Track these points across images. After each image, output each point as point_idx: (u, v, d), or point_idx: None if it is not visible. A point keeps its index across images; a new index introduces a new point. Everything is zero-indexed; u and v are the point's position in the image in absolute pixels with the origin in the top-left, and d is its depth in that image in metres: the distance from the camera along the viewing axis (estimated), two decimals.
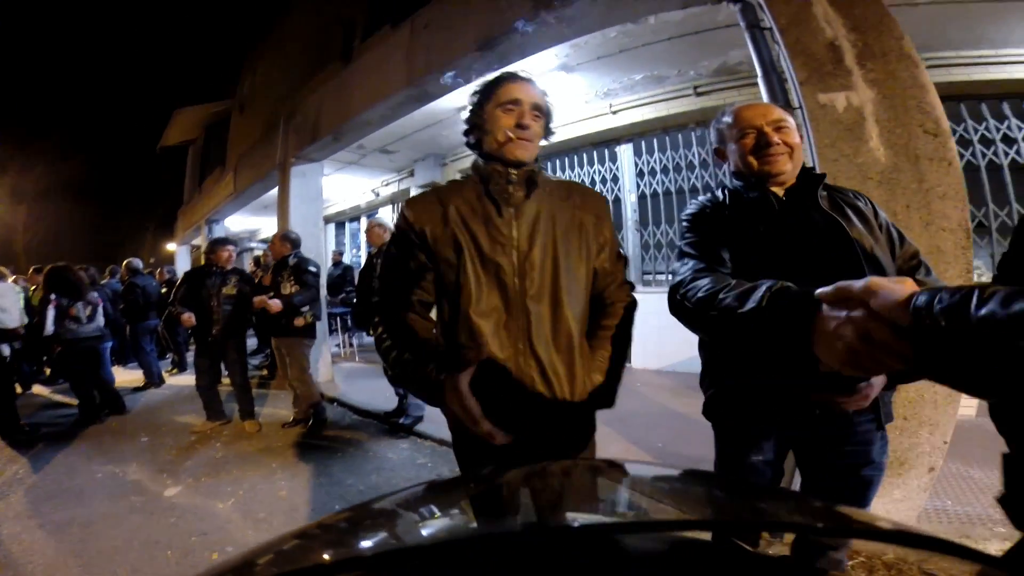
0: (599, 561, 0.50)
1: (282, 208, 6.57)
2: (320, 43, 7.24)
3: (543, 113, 1.28)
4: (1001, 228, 4.34)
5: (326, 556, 0.46)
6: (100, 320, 4.95)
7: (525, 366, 1.17)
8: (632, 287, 1.37)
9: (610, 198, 6.01)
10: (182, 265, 14.20)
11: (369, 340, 8.64)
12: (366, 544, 0.55)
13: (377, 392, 5.38)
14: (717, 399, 1.42)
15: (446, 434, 3.83)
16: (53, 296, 4.63)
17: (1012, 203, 4.30)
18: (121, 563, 2.40)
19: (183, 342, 7.86)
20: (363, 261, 10.64)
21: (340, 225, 11.99)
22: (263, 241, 14.75)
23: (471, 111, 1.30)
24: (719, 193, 1.45)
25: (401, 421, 4.22)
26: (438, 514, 0.65)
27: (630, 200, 5.91)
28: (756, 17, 2.62)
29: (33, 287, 6.91)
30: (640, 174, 5.84)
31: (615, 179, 6.08)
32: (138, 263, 6.88)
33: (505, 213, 1.20)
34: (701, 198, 1.48)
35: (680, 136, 5.51)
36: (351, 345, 8.04)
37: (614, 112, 5.48)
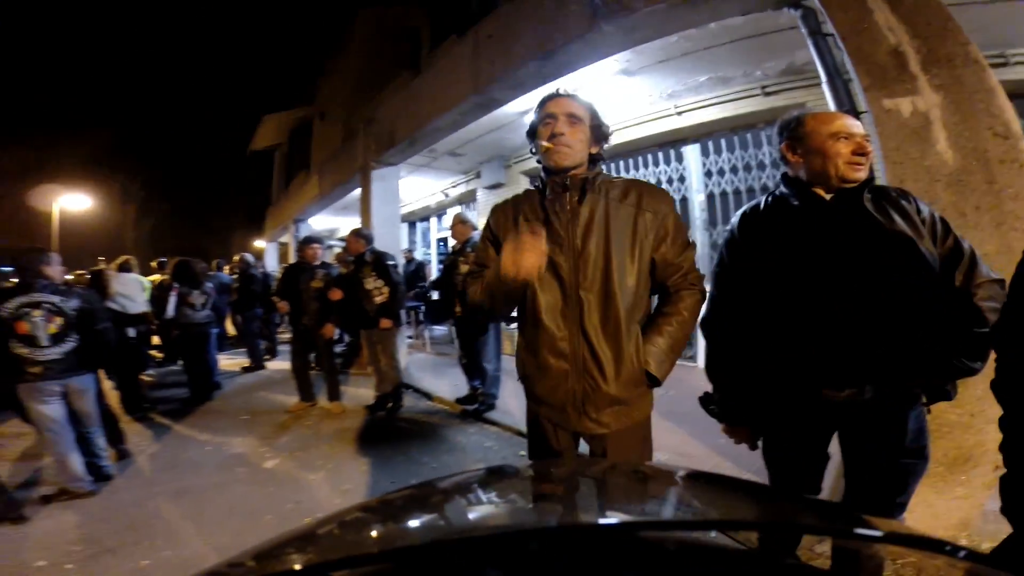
0: (606, 560, 0.51)
1: (364, 209, 7.13)
2: (388, 53, 7.71)
3: (582, 120, 1.43)
4: None
5: (326, 555, 0.51)
6: (213, 309, 5.65)
7: (579, 347, 1.38)
8: (702, 277, 1.50)
9: (677, 198, 6.04)
10: (270, 261, 15.57)
11: (440, 332, 9.12)
12: (379, 538, 0.61)
13: (448, 381, 5.78)
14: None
15: (511, 422, 4.14)
16: (175, 284, 5.36)
17: None
18: (227, 527, 2.73)
19: (275, 331, 8.70)
20: (433, 257, 11.26)
21: (412, 224, 12.58)
22: (341, 239, 15.74)
23: (528, 131, 1.51)
24: (761, 200, 1.54)
25: (474, 407, 4.58)
26: (448, 510, 0.69)
27: (697, 200, 5.90)
28: (818, 23, 2.65)
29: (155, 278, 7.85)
30: (708, 174, 5.81)
31: (682, 179, 6.08)
32: (251, 257, 7.65)
33: (562, 216, 1.41)
34: (745, 207, 1.57)
35: (749, 136, 5.44)
36: (423, 337, 8.55)
37: (679, 113, 5.48)
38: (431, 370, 6.63)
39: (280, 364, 7.63)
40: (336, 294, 4.81)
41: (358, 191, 7.95)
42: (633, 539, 0.54)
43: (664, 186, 6.12)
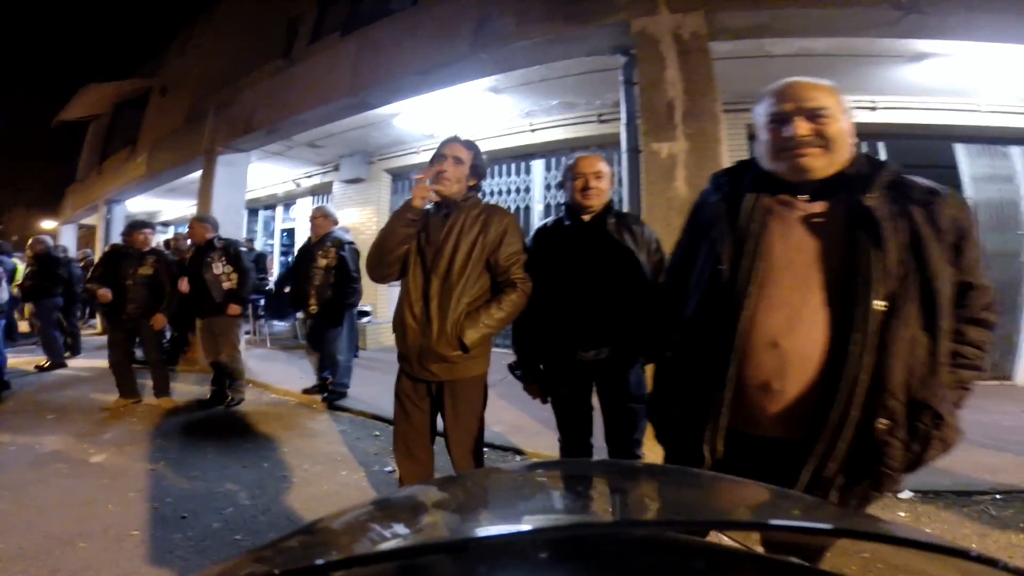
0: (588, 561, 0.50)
1: (204, 194, 6.59)
2: (260, 38, 7.32)
3: (464, 162, 1.96)
4: None
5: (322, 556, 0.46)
6: (3, 294, 4.82)
7: (423, 312, 1.92)
8: (525, 279, 1.98)
9: (521, 206, 6.75)
10: (67, 244, 13.16)
11: (279, 328, 8.72)
12: (360, 544, 0.57)
13: (291, 374, 5.69)
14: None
15: (365, 408, 4.30)
16: None
17: None
18: (63, 517, 2.54)
19: (77, 324, 7.54)
20: (275, 248, 10.60)
21: (253, 212, 11.73)
22: (164, 224, 14.00)
23: (429, 161, 2.00)
24: (550, 220, 2.17)
25: (325, 396, 4.63)
26: (421, 517, 0.68)
27: (538, 209, 6.66)
28: (632, 72, 3.35)
29: None
30: (548, 187, 6.62)
31: (527, 189, 6.80)
32: (50, 240, 6.60)
33: (436, 223, 1.98)
34: (539, 224, 2.22)
35: None
36: (261, 332, 8.12)
37: (533, 130, 6.17)
38: (272, 364, 6.40)
39: (85, 362, 6.70)
40: (183, 284, 4.48)
41: (194, 174, 7.31)
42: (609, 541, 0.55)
43: (512, 195, 6.82)
